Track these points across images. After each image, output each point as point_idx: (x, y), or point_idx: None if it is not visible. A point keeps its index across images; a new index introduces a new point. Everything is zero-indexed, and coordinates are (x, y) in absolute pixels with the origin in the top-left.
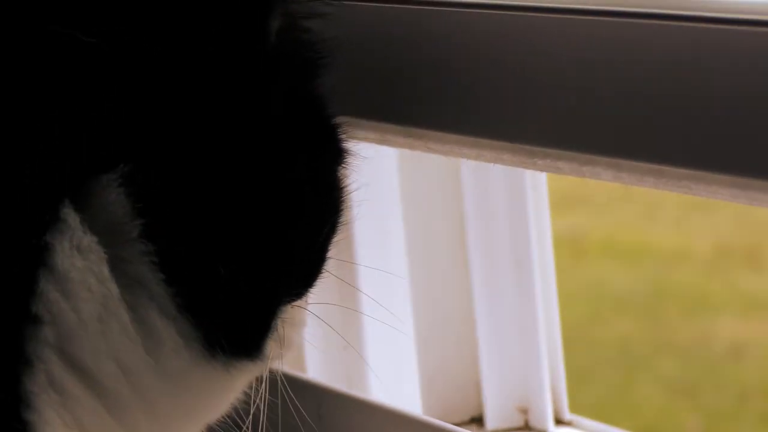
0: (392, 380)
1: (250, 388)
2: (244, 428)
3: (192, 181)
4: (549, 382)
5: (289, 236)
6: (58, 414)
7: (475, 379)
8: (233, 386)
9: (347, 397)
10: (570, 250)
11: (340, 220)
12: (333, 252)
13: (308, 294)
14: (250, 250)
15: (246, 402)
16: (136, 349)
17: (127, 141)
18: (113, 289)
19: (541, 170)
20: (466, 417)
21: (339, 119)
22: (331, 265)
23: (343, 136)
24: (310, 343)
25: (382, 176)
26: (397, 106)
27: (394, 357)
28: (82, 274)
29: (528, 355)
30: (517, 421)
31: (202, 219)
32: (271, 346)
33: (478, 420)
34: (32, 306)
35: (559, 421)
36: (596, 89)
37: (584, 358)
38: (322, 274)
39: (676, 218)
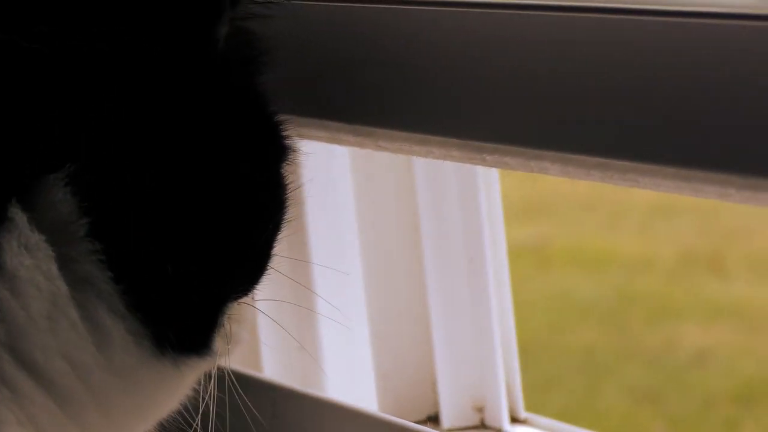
0: (348, 379)
1: (200, 385)
2: (194, 426)
3: (137, 181)
4: (504, 380)
5: (234, 234)
6: (11, 411)
7: (430, 378)
8: (183, 383)
9: (302, 395)
10: (534, 258)
11: (285, 217)
12: (287, 251)
13: (254, 291)
14: (196, 248)
15: (196, 399)
16: (86, 346)
17: (73, 141)
18: (62, 287)
19: (490, 166)
20: (422, 415)
21: (282, 116)
22: (285, 265)
23: (287, 133)
24: (266, 342)
25: (335, 175)
26: (345, 104)
27: (350, 356)
28: (30, 272)
29: (483, 353)
30: (473, 419)
31: (148, 218)
32: (218, 343)
33: (434, 418)
34: None
35: (514, 420)
36: (541, 84)
37: (549, 366)
38: (267, 271)
39: (640, 226)
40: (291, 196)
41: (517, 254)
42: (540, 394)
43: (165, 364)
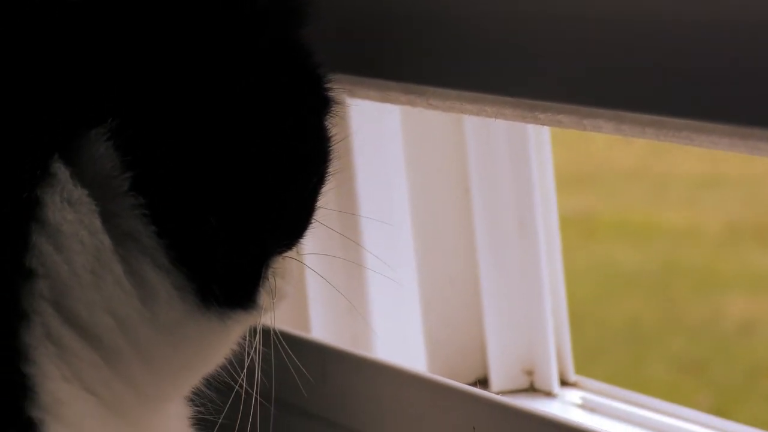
0: (397, 342)
1: (245, 340)
2: (239, 381)
3: (180, 134)
4: (554, 343)
5: (277, 186)
6: (57, 367)
7: (480, 341)
8: (228, 337)
9: (351, 356)
10: (580, 229)
11: (328, 170)
12: (337, 217)
13: (298, 245)
14: (238, 201)
15: (242, 354)
16: (131, 301)
17: (115, 95)
18: (105, 241)
19: (543, 124)
20: (471, 378)
21: (327, 70)
22: (335, 227)
23: (330, 86)
24: (315, 303)
25: (386, 136)
26: (397, 63)
27: (399, 319)
28: (74, 226)
29: (533, 316)
30: (523, 382)
31: (191, 171)
32: (263, 297)
33: (483, 381)
34: (25, 260)
35: (564, 383)
36: (596, 41)
37: (595, 336)
38: (311, 225)
39: (686, 197)
40: (335, 150)
41: (563, 225)
42: (586, 364)
43: (210, 318)
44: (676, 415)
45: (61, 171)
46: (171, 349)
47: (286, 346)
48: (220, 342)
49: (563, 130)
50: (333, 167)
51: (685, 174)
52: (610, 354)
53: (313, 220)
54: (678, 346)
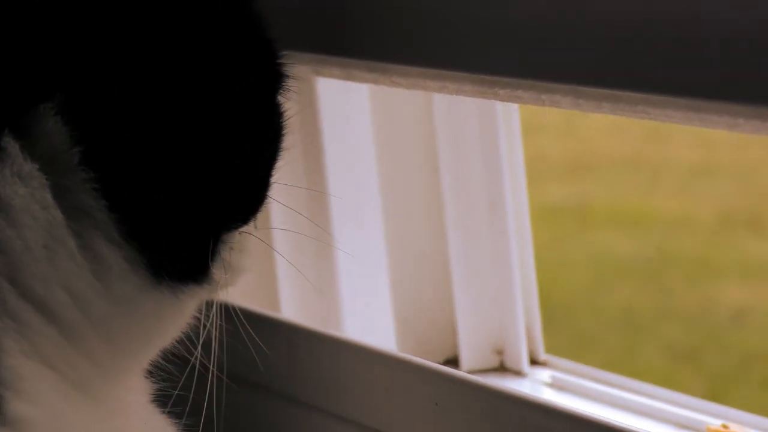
0: (367, 322)
1: (202, 314)
2: (195, 354)
3: (127, 108)
4: (524, 322)
5: (227, 161)
6: (15, 342)
7: (450, 321)
8: (182, 310)
9: (319, 336)
10: (574, 217)
11: (281, 145)
12: (305, 193)
13: (253, 220)
14: (188, 176)
15: (197, 328)
16: (85, 275)
17: (62, 70)
18: (57, 216)
19: (503, 100)
20: (441, 358)
21: (278, 43)
22: (304, 205)
23: (283, 60)
24: (283, 282)
25: (354, 115)
26: (360, 40)
27: (369, 298)
28: (25, 201)
29: (503, 296)
30: (493, 362)
31: (140, 144)
32: (218, 272)
33: (453, 361)
34: None
35: (534, 362)
36: (553, 17)
37: (588, 324)
38: (264, 201)
39: (679, 186)
40: (286, 125)
41: (557, 213)
42: (579, 352)
43: (162, 292)
44: (646, 393)
45: (11, 146)
46: (126, 323)
47: (253, 324)
48: (174, 315)
49: (558, 118)
50: (286, 142)
51: (678, 163)
52: (604, 342)
53: (267, 196)
54: (671, 334)
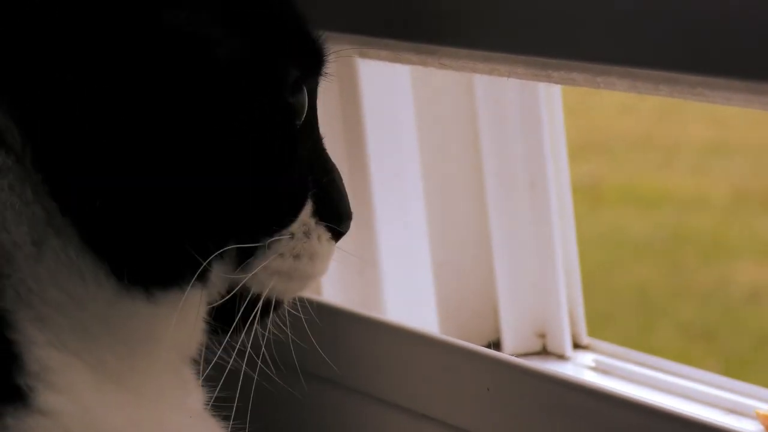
0: (409, 305)
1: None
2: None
3: (70, 105)
4: (567, 306)
5: (197, 167)
6: (41, 332)
7: (492, 304)
8: (165, 316)
9: (363, 318)
10: (588, 196)
11: (294, 154)
12: (348, 176)
13: (268, 234)
14: (134, 182)
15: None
16: (72, 277)
17: (8, 68)
18: (38, 212)
19: (556, 83)
20: (484, 341)
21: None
22: (346, 189)
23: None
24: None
25: (396, 96)
26: (408, 22)
27: (411, 282)
28: (5, 194)
29: (545, 278)
30: (535, 345)
31: (82, 147)
32: (215, 275)
33: (495, 344)
34: None
35: (576, 345)
36: None
37: (603, 304)
38: (289, 205)
39: (694, 164)
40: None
41: (572, 193)
42: (595, 332)
43: (134, 297)
44: (687, 376)
45: None
46: (112, 325)
47: (295, 308)
48: (159, 319)
49: (571, 97)
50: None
51: (693, 141)
52: (620, 321)
53: (286, 200)
54: (687, 313)
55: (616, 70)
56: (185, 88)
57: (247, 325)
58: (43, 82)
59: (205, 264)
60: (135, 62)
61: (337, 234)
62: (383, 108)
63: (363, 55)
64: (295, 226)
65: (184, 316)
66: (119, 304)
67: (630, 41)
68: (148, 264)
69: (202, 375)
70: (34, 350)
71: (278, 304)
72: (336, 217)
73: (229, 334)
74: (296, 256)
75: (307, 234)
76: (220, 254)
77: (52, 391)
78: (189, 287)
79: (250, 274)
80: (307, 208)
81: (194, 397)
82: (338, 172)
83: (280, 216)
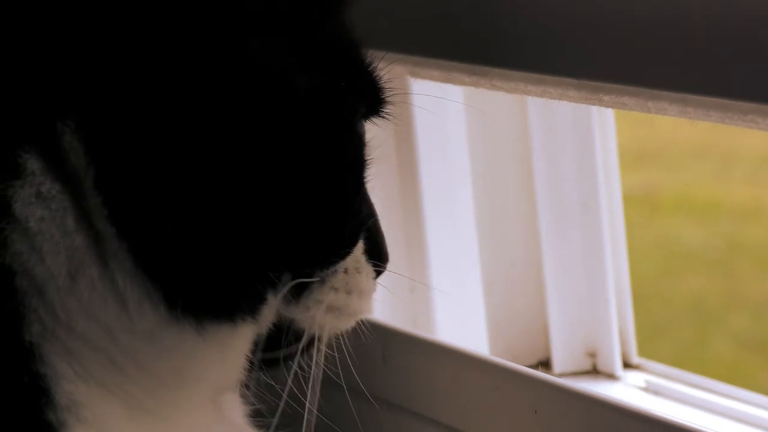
0: (459, 324)
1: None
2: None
3: (143, 129)
4: (617, 325)
5: (262, 197)
6: (69, 365)
7: (542, 323)
8: (214, 349)
9: (412, 338)
10: (643, 205)
11: (349, 180)
12: (398, 196)
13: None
14: (202, 208)
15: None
16: (109, 306)
17: (79, 84)
18: (79, 241)
19: (607, 106)
20: (533, 360)
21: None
22: (397, 209)
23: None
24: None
25: (449, 119)
26: (461, 43)
27: (461, 301)
28: (44, 224)
29: (596, 298)
30: (585, 364)
31: (154, 169)
32: (270, 309)
33: (545, 364)
34: (3, 257)
35: (627, 365)
36: (661, 23)
37: (658, 314)
38: (346, 239)
39: (750, 174)
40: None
41: (626, 201)
42: (649, 342)
43: (184, 329)
44: (741, 398)
45: (31, 163)
46: (153, 358)
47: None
48: (204, 354)
49: None
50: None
51: (749, 151)
52: (674, 331)
53: (343, 233)
54: (741, 324)
55: (667, 95)
56: (264, 115)
57: (285, 360)
58: (121, 104)
59: (263, 296)
60: (217, 87)
61: (378, 273)
62: (435, 128)
63: (414, 75)
64: (350, 261)
65: (230, 351)
66: (163, 335)
67: (682, 66)
68: (205, 294)
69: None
70: (64, 384)
71: (319, 340)
72: (378, 256)
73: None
74: (348, 292)
75: (358, 270)
76: (276, 287)
77: (83, 426)
78: (242, 321)
79: (304, 308)
80: (360, 246)
81: (236, 412)
82: (377, 215)
83: (339, 248)
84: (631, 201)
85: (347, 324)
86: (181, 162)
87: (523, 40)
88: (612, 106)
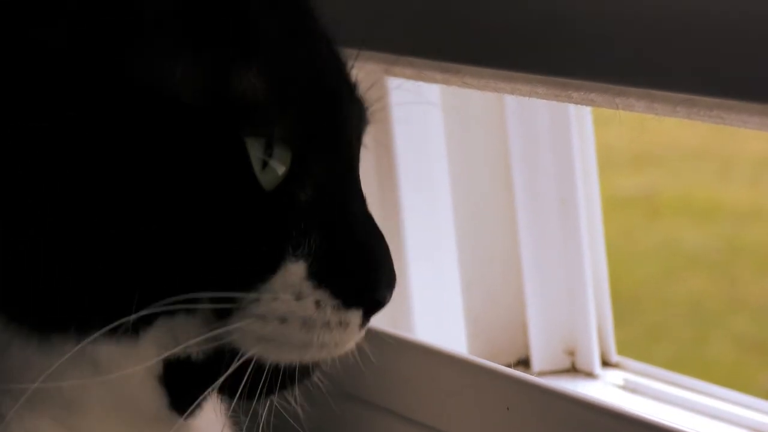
0: (437, 323)
1: None
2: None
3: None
4: (595, 323)
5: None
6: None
7: (521, 321)
8: (84, 368)
9: (390, 337)
10: (643, 208)
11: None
12: (376, 192)
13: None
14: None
15: None
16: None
17: None
18: None
19: (576, 103)
20: (513, 359)
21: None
22: (375, 206)
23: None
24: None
25: (425, 112)
26: (432, 41)
27: (439, 299)
28: None
29: (575, 296)
30: (564, 363)
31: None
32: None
33: (524, 362)
34: None
35: (606, 363)
36: (627, 20)
37: (657, 316)
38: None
39: (750, 177)
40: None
41: (626, 204)
42: (648, 344)
43: (30, 342)
44: (721, 397)
45: None
46: (23, 374)
47: None
48: (73, 373)
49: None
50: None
51: (749, 153)
52: (673, 332)
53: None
54: (742, 326)
55: (634, 91)
56: (128, 129)
57: (259, 393)
58: None
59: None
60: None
61: (358, 302)
62: (412, 126)
63: (388, 73)
64: (278, 287)
65: (111, 372)
66: (12, 348)
67: (648, 63)
68: (48, 302)
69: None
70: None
71: (304, 371)
72: (349, 283)
73: (234, 401)
74: (282, 320)
75: (298, 296)
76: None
77: None
78: (100, 339)
79: (226, 335)
80: (297, 270)
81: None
82: (375, 237)
83: (239, 275)
84: (631, 203)
85: (303, 355)
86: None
87: (494, 38)
88: (581, 103)
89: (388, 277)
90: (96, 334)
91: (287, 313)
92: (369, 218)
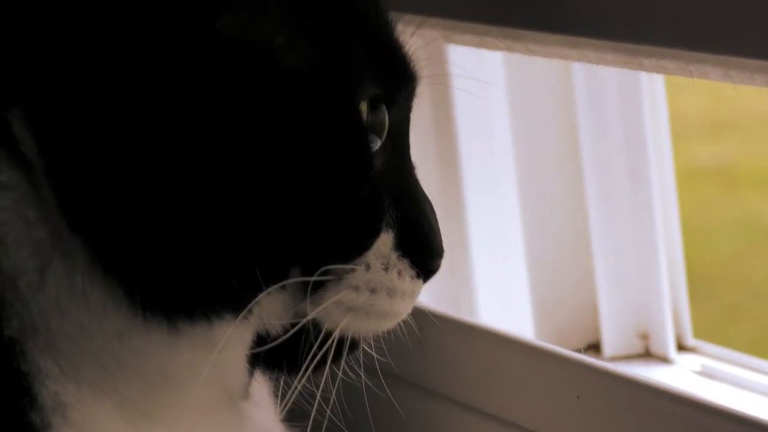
0: (503, 305)
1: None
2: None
3: (92, 116)
4: (670, 305)
5: (230, 188)
6: (55, 363)
7: (591, 304)
8: (192, 351)
9: (451, 321)
10: (720, 180)
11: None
12: (437, 172)
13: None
14: (160, 201)
15: None
16: (78, 305)
17: (26, 73)
18: (42, 233)
19: (647, 70)
20: (583, 344)
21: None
22: (435, 185)
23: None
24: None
25: (489, 89)
26: (494, 5)
27: (504, 280)
28: (7, 214)
29: (647, 276)
30: (637, 347)
31: (103, 160)
32: (269, 306)
33: (595, 347)
34: None
35: (681, 347)
36: None
37: (735, 294)
38: (357, 231)
39: None
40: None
41: (701, 175)
42: (727, 326)
43: (153, 328)
44: None
45: None
46: (131, 360)
47: None
48: (185, 356)
49: None
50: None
51: None
52: (753, 314)
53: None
54: None
55: (709, 58)
56: (239, 97)
57: (314, 366)
58: (73, 89)
59: (245, 294)
60: (181, 69)
61: (425, 271)
62: (475, 99)
63: (448, 40)
64: (372, 258)
65: (219, 352)
66: (132, 335)
67: (724, 29)
68: (170, 293)
69: (282, 409)
70: (49, 383)
71: (354, 344)
72: (420, 252)
73: (299, 376)
74: (372, 290)
75: (385, 267)
76: (268, 284)
77: (71, 427)
78: (221, 320)
79: (319, 308)
80: (386, 240)
81: (264, 416)
82: (430, 206)
83: (346, 246)
84: (707, 175)
85: (380, 326)
86: (134, 153)
87: (560, 3)
88: (652, 70)
89: (442, 246)
90: (244, 311)
91: (377, 284)
92: (420, 184)
